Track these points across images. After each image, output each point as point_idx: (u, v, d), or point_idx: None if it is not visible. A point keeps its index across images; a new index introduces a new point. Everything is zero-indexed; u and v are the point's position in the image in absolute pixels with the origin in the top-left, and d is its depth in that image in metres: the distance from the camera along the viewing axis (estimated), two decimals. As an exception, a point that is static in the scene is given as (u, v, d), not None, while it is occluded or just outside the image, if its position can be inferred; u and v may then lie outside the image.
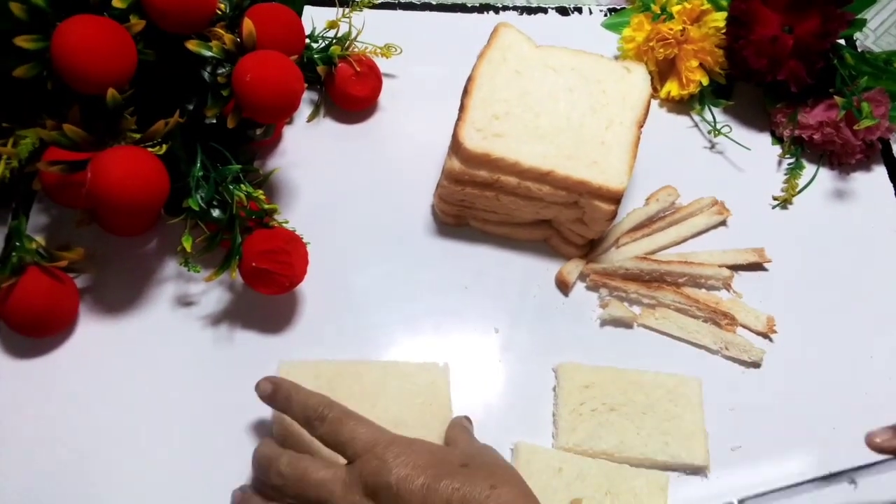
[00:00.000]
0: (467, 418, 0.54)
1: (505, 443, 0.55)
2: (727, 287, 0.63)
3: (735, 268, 0.64)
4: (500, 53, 0.61)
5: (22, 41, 0.49)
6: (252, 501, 0.48)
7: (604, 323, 0.61)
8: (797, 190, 0.68)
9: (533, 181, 0.58)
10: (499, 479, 0.43)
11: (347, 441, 0.46)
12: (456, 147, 0.58)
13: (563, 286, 0.63)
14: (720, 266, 0.63)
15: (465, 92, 0.60)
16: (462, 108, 0.59)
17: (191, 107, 0.57)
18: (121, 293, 0.59)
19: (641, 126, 0.60)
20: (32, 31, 0.49)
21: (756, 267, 0.65)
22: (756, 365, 0.60)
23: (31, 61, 0.50)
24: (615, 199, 0.57)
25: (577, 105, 0.60)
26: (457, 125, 0.58)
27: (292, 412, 0.49)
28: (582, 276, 0.63)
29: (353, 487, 0.44)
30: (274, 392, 0.50)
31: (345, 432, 0.46)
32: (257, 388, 0.50)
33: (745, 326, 0.62)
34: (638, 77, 0.62)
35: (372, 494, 0.43)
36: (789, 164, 0.70)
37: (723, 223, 0.66)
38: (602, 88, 0.61)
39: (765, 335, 0.61)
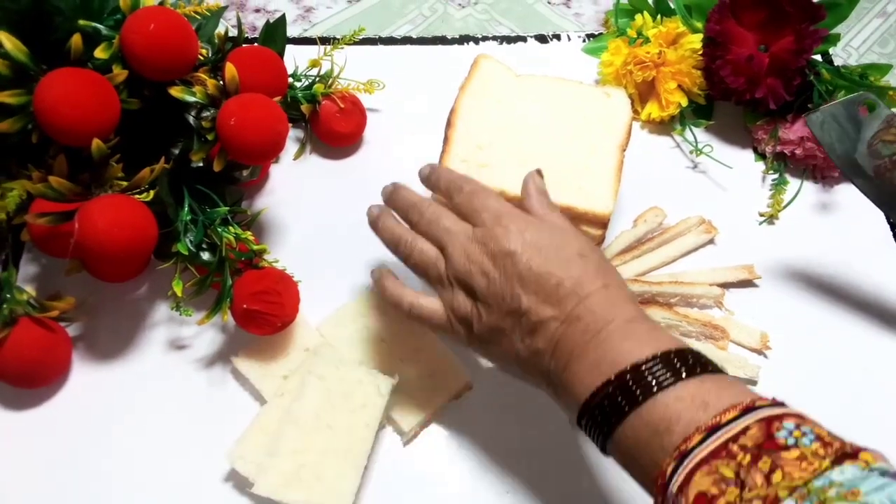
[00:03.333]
0: (539, 172, 0.53)
1: (505, 480, 0.55)
2: (719, 305, 0.63)
3: (726, 285, 0.64)
4: (480, 85, 0.62)
5: (5, 96, 0.49)
6: (387, 218, 0.53)
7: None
8: (783, 205, 0.69)
9: (520, 209, 0.58)
10: (611, 280, 0.46)
11: (479, 208, 0.49)
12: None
13: (556, 311, 0.63)
14: (711, 284, 0.63)
15: (448, 124, 0.60)
16: (446, 141, 0.60)
17: (177, 151, 0.58)
18: (113, 340, 0.59)
19: (624, 149, 0.61)
20: (15, 85, 0.50)
21: (747, 284, 0.65)
22: (752, 382, 0.60)
23: (15, 115, 0.50)
24: (602, 223, 0.58)
25: (560, 132, 0.60)
26: (441, 157, 0.59)
27: (438, 187, 0.53)
28: (574, 301, 0.63)
29: (474, 243, 0.48)
30: (429, 173, 0.54)
31: (477, 201, 0.49)
32: (420, 172, 0.55)
33: (738, 343, 0.62)
34: (618, 101, 0.63)
35: (491, 256, 0.47)
36: (773, 180, 0.70)
37: (711, 241, 0.67)
38: (583, 114, 0.61)
39: (759, 351, 0.62)
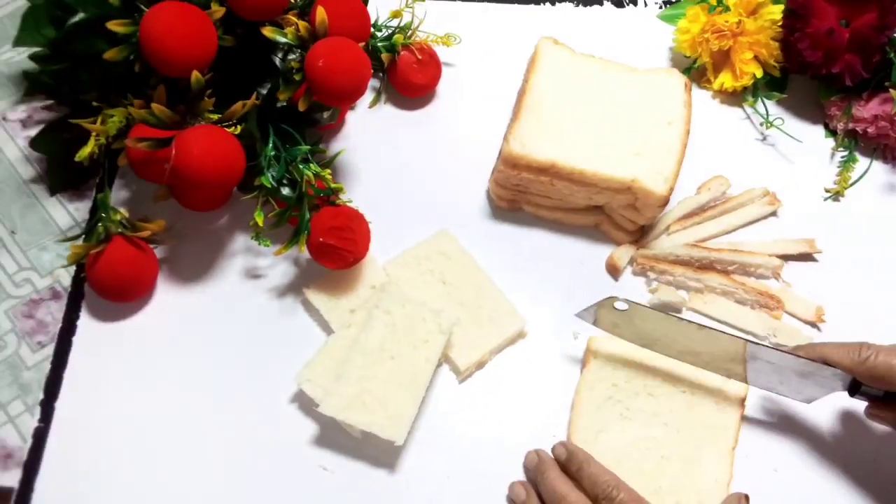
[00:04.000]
0: (746, 497, 0.52)
1: (550, 427, 0.58)
2: (776, 276, 0.64)
3: (785, 257, 0.65)
4: (544, 67, 0.64)
5: (114, 25, 0.53)
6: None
7: (653, 308, 0.63)
8: (850, 182, 0.69)
9: (586, 167, 0.60)
10: None
11: None
12: (508, 154, 0.61)
13: (614, 271, 0.64)
14: (770, 255, 0.64)
15: (517, 102, 0.63)
16: (515, 116, 0.62)
17: (263, 91, 0.61)
18: (195, 264, 0.63)
19: (687, 126, 0.62)
20: (123, 16, 0.53)
21: (806, 257, 0.65)
22: (803, 353, 0.61)
23: (120, 45, 0.54)
24: (662, 202, 0.60)
25: (622, 111, 0.63)
26: (509, 128, 0.62)
27: (582, 483, 0.52)
28: (632, 262, 0.65)
29: None
30: (568, 458, 0.53)
31: None
32: (553, 450, 0.55)
33: (793, 315, 0.63)
34: (675, 80, 0.64)
35: None
36: (842, 157, 0.70)
37: (773, 214, 0.67)
38: (643, 94, 0.63)
39: (813, 324, 0.62)
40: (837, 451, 0.58)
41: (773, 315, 0.62)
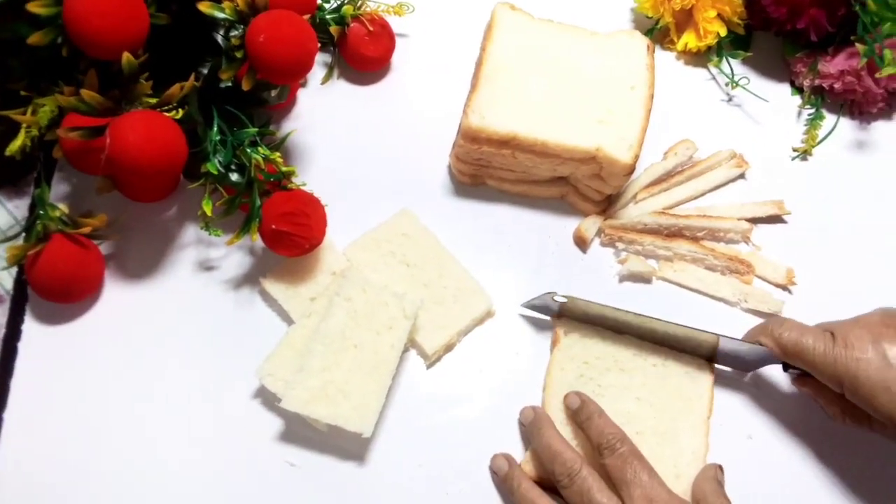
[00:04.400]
0: (720, 468, 0.52)
1: (522, 407, 0.57)
2: (746, 240, 0.63)
3: (754, 220, 0.63)
4: (502, 34, 0.61)
5: (35, 7, 0.49)
6: (520, 478, 0.52)
7: (623, 279, 0.61)
8: (817, 140, 0.67)
9: (549, 138, 0.58)
10: None
11: (629, 482, 0.48)
12: (467, 127, 0.58)
13: (581, 243, 0.63)
14: (739, 219, 0.63)
15: (475, 72, 0.60)
16: (473, 87, 0.60)
17: (205, 71, 0.57)
18: (144, 259, 0.60)
19: (651, 90, 0.60)
20: (45, -4, 0.49)
21: (775, 219, 0.64)
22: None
23: (44, 27, 0.50)
24: (627, 171, 0.58)
25: (583, 76, 0.60)
26: (469, 99, 0.59)
27: (588, 432, 0.52)
28: (600, 233, 0.63)
29: None
30: (580, 407, 0.53)
31: (629, 471, 0.49)
32: (566, 397, 0.54)
33: (763, 279, 0.61)
34: (637, 43, 0.62)
35: None
36: (809, 115, 0.69)
37: (741, 176, 0.66)
38: (605, 58, 0.61)
39: (784, 287, 0.61)
40: (810, 414, 0.57)
41: (743, 280, 0.61)
